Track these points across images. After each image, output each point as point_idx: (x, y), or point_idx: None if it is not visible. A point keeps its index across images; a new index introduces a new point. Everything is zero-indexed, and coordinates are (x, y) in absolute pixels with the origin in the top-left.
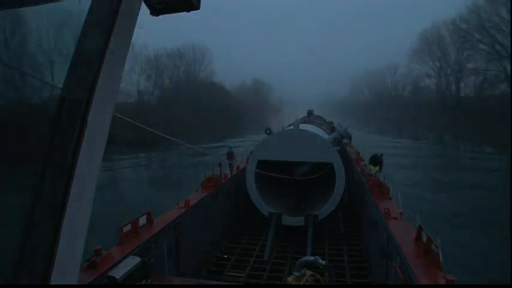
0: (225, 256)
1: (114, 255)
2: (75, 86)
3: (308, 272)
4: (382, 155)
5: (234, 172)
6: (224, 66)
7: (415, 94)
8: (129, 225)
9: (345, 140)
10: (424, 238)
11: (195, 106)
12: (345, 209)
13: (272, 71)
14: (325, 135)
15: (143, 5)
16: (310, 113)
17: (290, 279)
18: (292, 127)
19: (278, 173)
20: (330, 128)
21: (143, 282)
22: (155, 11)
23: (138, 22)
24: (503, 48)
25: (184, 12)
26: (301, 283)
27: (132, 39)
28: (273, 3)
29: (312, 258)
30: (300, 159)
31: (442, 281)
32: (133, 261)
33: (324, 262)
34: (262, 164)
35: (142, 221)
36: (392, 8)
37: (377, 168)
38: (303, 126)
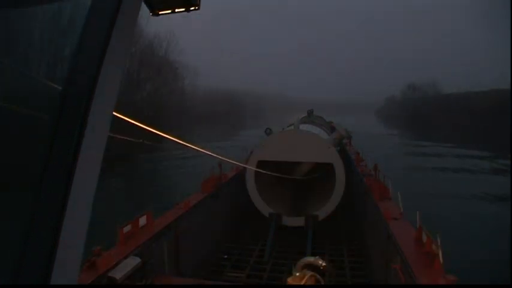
0: (225, 256)
1: (114, 255)
2: (75, 86)
3: (308, 273)
4: None
5: (234, 172)
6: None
7: None
8: (129, 225)
9: (344, 140)
10: (425, 238)
11: None
12: (345, 209)
13: None
14: (325, 135)
15: (143, 5)
16: (310, 112)
17: (290, 280)
18: (292, 127)
19: (278, 173)
20: (330, 127)
21: (143, 282)
22: (155, 11)
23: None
24: None
25: (185, 12)
26: (302, 283)
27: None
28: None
29: (312, 258)
30: (300, 160)
31: (443, 282)
32: (133, 261)
33: (324, 262)
34: (262, 165)
35: (142, 221)
36: None
37: None
38: (303, 126)
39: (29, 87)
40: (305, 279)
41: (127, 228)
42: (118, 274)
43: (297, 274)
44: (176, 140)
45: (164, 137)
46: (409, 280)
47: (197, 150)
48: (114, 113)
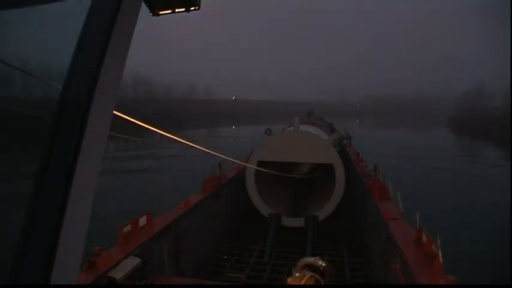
0: (225, 257)
1: (114, 255)
2: (75, 86)
3: (308, 273)
4: None
5: (234, 172)
6: None
7: None
8: (129, 225)
9: (345, 141)
10: (424, 239)
11: None
12: (345, 210)
13: None
14: (325, 136)
15: (143, 5)
16: (310, 113)
17: (290, 280)
18: (292, 128)
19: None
20: (330, 128)
21: (143, 282)
22: (155, 11)
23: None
24: None
25: (186, 13)
26: (301, 284)
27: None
28: None
29: (312, 259)
30: (300, 160)
31: (443, 282)
32: (133, 261)
33: (324, 263)
34: (262, 165)
35: (142, 221)
36: None
37: None
38: (303, 127)
39: (29, 87)
40: (305, 279)
41: (127, 229)
42: (118, 274)
43: (297, 274)
44: (176, 138)
45: (165, 135)
46: (409, 280)
47: (198, 148)
48: (114, 113)
